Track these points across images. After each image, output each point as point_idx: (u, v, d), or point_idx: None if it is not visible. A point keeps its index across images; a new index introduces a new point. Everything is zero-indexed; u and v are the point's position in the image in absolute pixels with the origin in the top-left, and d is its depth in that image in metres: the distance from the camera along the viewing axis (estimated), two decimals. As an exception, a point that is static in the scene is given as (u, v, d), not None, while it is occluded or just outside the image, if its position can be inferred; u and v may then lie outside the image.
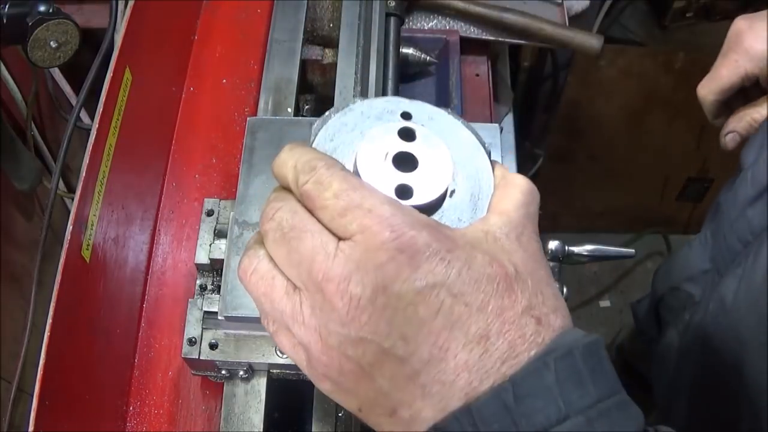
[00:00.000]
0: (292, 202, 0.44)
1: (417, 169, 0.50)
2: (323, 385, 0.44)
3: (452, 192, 0.52)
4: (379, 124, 0.53)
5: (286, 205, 0.44)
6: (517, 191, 0.48)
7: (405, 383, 0.41)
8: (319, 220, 0.43)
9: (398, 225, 0.41)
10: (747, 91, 0.86)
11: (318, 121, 0.55)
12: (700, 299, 0.93)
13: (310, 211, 0.43)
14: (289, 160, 0.45)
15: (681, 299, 0.99)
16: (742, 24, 0.84)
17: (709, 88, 0.87)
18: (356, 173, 0.49)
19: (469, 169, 0.53)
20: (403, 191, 0.49)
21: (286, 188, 0.46)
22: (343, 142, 0.53)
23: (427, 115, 0.55)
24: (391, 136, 0.51)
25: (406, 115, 0.55)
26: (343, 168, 0.45)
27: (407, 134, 0.51)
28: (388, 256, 0.40)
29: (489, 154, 0.54)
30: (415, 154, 0.50)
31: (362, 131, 0.53)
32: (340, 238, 0.42)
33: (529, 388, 0.39)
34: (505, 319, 0.41)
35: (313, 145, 0.52)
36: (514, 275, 0.42)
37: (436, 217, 0.50)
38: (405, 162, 0.50)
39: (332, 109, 0.55)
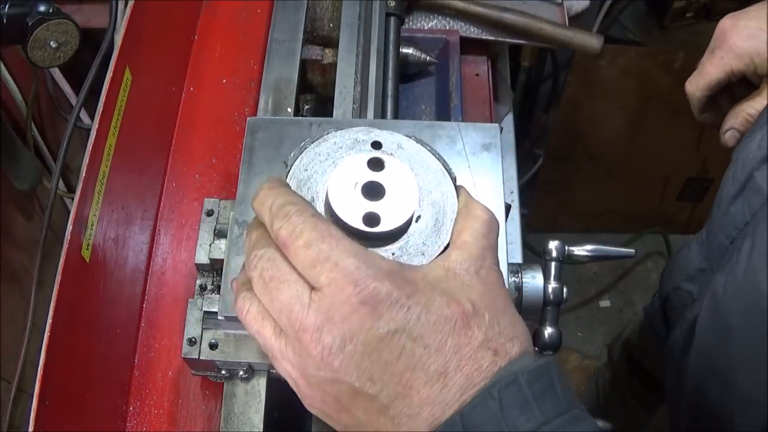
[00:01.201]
0: (271, 250, 0.49)
1: (384, 197, 0.54)
2: (311, 410, 0.50)
3: (418, 217, 0.56)
4: (351, 153, 0.58)
5: (266, 254, 0.49)
6: (476, 222, 0.53)
7: (377, 416, 0.46)
8: (294, 267, 0.48)
9: (361, 278, 0.45)
10: (732, 87, 0.88)
11: (295, 150, 0.59)
12: (698, 297, 0.94)
13: (286, 256, 0.48)
14: (267, 201, 0.50)
15: (683, 298, 1.01)
16: (727, 23, 0.86)
17: (697, 85, 0.89)
18: (327, 202, 0.54)
19: (435, 195, 0.57)
20: (371, 219, 0.53)
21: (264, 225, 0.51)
22: (316, 172, 0.57)
23: (397, 144, 0.60)
24: (361, 167, 0.55)
25: (376, 144, 0.59)
26: (314, 213, 0.49)
27: (376, 164, 0.55)
28: (352, 309, 0.45)
29: (454, 180, 0.59)
30: (382, 183, 0.55)
31: (335, 161, 0.58)
32: (313, 287, 0.47)
33: (477, 418, 0.43)
34: (462, 355, 0.45)
35: (289, 175, 0.57)
36: (471, 312, 0.47)
37: (402, 241, 0.55)
38: (373, 191, 0.54)
39: (307, 140, 0.59)
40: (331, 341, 0.45)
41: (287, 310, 0.47)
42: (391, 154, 0.59)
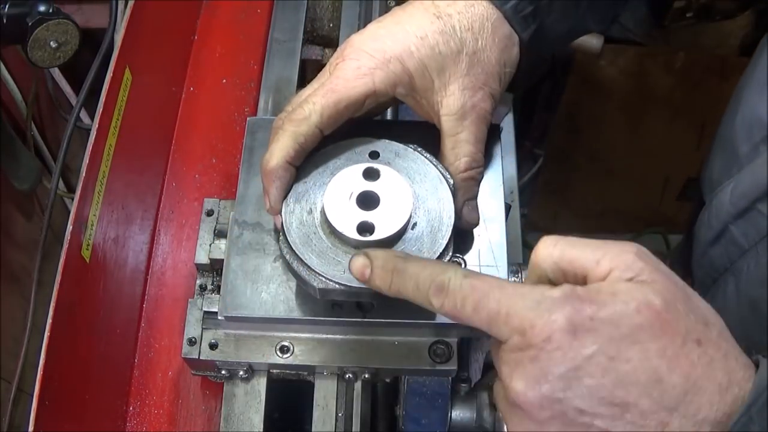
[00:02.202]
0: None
1: (379, 206, 0.56)
2: None
3: (414, 224, 0.57)
4: (348, 164, 0.59)
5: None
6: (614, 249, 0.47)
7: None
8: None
9: (536, 319, 0.44)
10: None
11: None
12: None
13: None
14: (407, 283, 0.49)
15: None
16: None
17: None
18: (324, 213, 0.56)
19: (431, 203, 0.59)
20: (365, 228, 0.55)
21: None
22: (315, 184, 0.59)
23: (394, 153, 0.61)
24: (356, 177, 0.57)
25: (373, 154, 0.61)
26: (466, 273, 0.47)
27: (371, 174, 0.58)
28: (537, 351, 0.44)
29: (451, 186, 0.60)
30: (377, 193, 0.57)
31: (332, 172, 0.59)
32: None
33: None
34: (669, 358, 0.43)
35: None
36: (663, 307, 0.44)
37: (397, 248, 0.56)
38: (368, 200, 0.56)
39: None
40: (524, 387, 0.44)
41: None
42: (388, 163, 0.60)
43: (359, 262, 0.51)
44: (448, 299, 0.47)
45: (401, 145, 0.62)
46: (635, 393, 0.43)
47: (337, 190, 0.57)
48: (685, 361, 0.43)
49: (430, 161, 0.61)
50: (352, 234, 0.55)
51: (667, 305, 0.44)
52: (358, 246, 0.56)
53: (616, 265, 0.46)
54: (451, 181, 0.60)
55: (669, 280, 0.46)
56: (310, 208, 0.59)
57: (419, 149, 0.62)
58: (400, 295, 0.50)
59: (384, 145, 0.61)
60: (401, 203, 0.56)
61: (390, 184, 0.57)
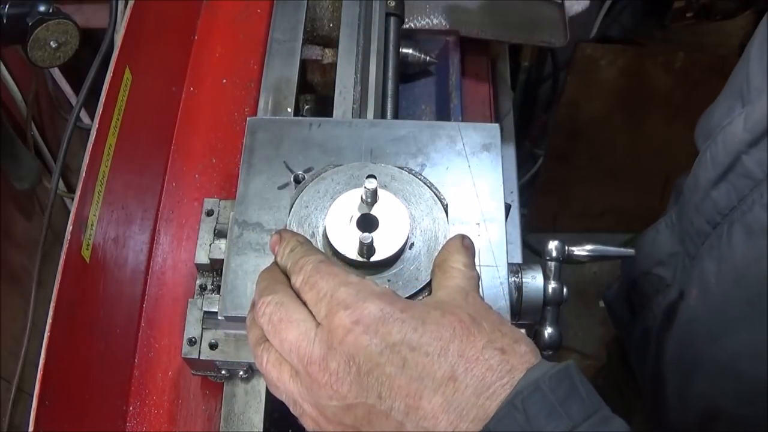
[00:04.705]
0: (278, 295, 0.51)
1: (378, 228, 0.58)
2: None
3: (411, 244, 0.60)
4: (347, 188, 0.62)
5: (274, 299, 0.51)
6: (455, 273, 0.53)
7: None
8: (304, 308, 0.50)
9: (352, 302, 0.47)
10: None
11: (296, 189, 0.64)
12: (672, 282, 0.92)
13: (295, 299, 0.51)
14: (283, 252, 0.54)
15: (653, 284, 0.99)
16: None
17: None
18: (325, 236, 0.59)
19: (427, 223, 0.61)
20: (366, 250, 0.57)
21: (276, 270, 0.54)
22: (316, 208, 0.62)
23: (390, 176, 0.64)
24: (356, 201, 0.59)
25: (371, 178, 0.62)
26: (322, 259, 0.52)
27: (370, 197, 0.59)
28: (347, 330, 0.46)
29: (446, 207, 0.63)
30: (376, 215, 0.59)
31: (332, 196, 0.62)
32: (319, 323, 0.48)
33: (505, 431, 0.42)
34: (468, 358, 0.45)
35: (291, 212, 0.62)
36: (470, 321, 0.47)
37: (396, 267, 0.59)
38: (368, 223, 0.59)
39: (307, 179, 0.65)
40: (336, 366, 0.46)
41: (296, 348, 0.48)
42: (385, 186, 0.62)
43: (274, 238, 0.56)
44: (297, 277, 0.51)
45: (396, 169, 0.64)
46: (429, 388, 0.44)
47: (337, 214, 0.59)
48: (483, 366, 0.45)
49: (424, 183, 0.64)
50: (354, 256, 0.57)
51: (473, 320, 0.47)
52: (360, 267, 0.58)
53: (450, 289, 0.52)
54: (446, 202, 0.63)
55: (484, 309, 0.49)
56: (313, 232, 0.61)
57: (414, 171, 0.65)
58: (287, 263, 0.53)
59: (380, 169, 0.64)
60: (399, 225, 0.59)
61: (388, 207, 0.59)
